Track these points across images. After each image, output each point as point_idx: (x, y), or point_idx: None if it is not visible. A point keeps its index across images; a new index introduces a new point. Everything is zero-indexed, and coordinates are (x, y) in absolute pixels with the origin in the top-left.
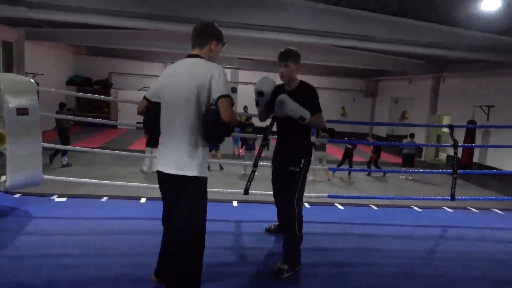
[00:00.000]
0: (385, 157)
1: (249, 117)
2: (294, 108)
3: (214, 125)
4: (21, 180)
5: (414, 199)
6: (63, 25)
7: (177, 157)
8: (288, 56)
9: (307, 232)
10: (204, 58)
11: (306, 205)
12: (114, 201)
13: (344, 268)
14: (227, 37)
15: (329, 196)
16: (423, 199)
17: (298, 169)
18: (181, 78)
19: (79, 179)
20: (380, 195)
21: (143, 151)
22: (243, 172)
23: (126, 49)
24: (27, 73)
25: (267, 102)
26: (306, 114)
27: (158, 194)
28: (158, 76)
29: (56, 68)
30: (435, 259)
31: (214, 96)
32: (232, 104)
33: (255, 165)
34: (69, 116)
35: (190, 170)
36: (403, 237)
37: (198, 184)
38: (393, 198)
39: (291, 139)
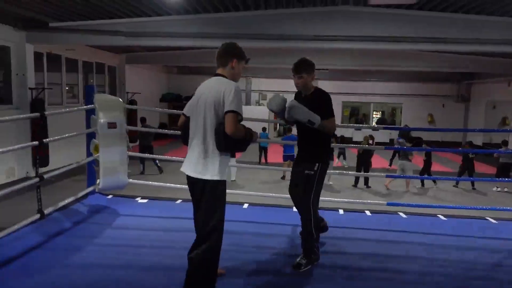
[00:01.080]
0: (477, 167)
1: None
2: (302, 113)
3: (220, 136)
4: (110, 183)
5: (487, 209)
6: (156, 49)
7: (196, 162)
8: (301, 69)
9: (363, 238)
10: (226, 76)
11: (368, 212)
12: (187, 204)
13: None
14: (305, 49)
15: (388, 204)
16: (498, 209)
17: (312, 172)
18: (204, 95)
19: (158, 183)
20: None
21: None
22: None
23: (212, 66)
24: (127, 92)
25: (282, 115)
26: (315, 118)
27: (232, 199)
28: (241, 90)
29: (151, 87)
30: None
31: (225, 110)
32: (239, 119)
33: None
34: (150, 128)
35: (205, 174)
36: (457, 248)
37: (213, 187)
38: (456, 208)
39: (307, 144)
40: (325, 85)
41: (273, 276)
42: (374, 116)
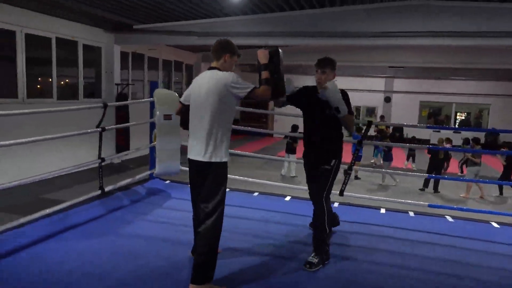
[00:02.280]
0: None
1: (387, 127)
2: (337, 96)
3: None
4: (164, 168)
5: None
6: None
7: (204, 148)
8: (327, 64)
9: (405, 238)
10: (220, 69)
11: (411, 213)
12: (232, 192)
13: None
14: (378, 46)
15: (430, 206)
16: None
17: (329, 168)
18: (204, 87)
19: (238, 177)
20: None
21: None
22: (381, 182)
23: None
24: None
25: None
26: (344, 109)
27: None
28: None
29: None
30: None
31: (242, 94)
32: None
33: (350, 168)
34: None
35: (213, 157)
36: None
37: (219, 168)
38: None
39: (324, 140)
40: (401, 84)
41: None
42: (458, 117)
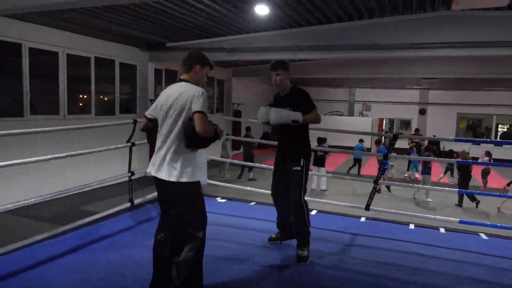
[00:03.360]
0: None
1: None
2: (283, 116)
3: (189, 132)
4: None
5: None
6: (260, 62)
7: (164, 164)
8: (279, 66)
9: (433, 255)
10: (190, 81)
11: (442, 230)
12: (259, 206)
13: None
14: (410, 58)
15: (461, 222)
16: None
17: (299, 168)
18: (170, 99)
19: (233, 185)
20: None
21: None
22: (413, 196)
23: (313, 77)
24: (233, 103)
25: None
26: (297, 116)
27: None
28: (344, 100)
29: (255, 98)
30: None
31: (192, 111)
32: (207, 119)
33: (376, 182)
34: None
35: (175, 176)
36: None
37: (185, 188)
38: None
39: (289, 142)
40: (436, 95)
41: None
42: (500, 129)
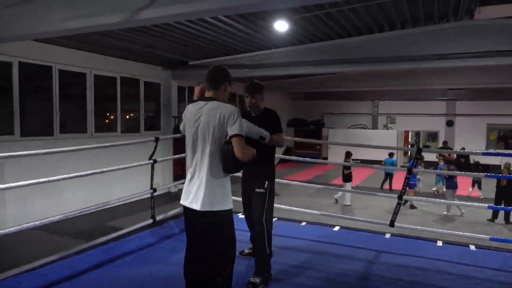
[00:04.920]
0: None
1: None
2: (253, 131)
3: (229, 156)
4: None
5: None
6: (281, 78)
7: (201, 194)
8: (255, 90)
9: (462, 273)
10: (218, 100)
11: (472, 247)
12: (280, 222)
13: None
14: (436, 69)
15: (492, 239)
16: None
17: (263, 190)
18: (203, 120)
19: (285, 206)
20: None
21: (341, 186)
22: (445, 212)
23: (336, 91)
24: None
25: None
26: (266, 134)
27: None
28: (367, 113)
29: (278, 112)
30: None
31: (230, 133)
32: (245, 142)
33: (400, 197)
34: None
35: (213, 205)
36: None
37: (221, 218)
38: None
39: (256, 164)
40: (464, 106)
41: None
42: None
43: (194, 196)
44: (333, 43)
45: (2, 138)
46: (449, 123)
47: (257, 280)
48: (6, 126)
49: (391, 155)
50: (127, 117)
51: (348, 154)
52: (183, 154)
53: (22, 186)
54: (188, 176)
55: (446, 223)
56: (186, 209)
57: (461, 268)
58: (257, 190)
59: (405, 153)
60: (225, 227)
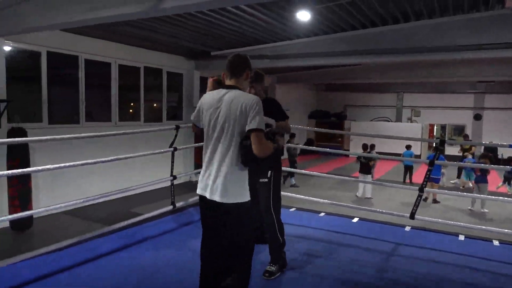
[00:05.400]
0: None
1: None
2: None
3: (247, 151)
4: None
5: None
6: (304, 69)
7: (220, 184)
8: (253, 79)
9: (485, 269)
10: (240, 87)
11: (495, 242)
12: (299, 212)
13: None
14: (458, 60)
15: None
16: None
17: (266, 180)
18: (224, 109)
19: (304, 197)
20: None
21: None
22: (469, 207)
23: (359, 83)
24: None
25: None
26: (271, 121)
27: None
28: (391, 106)
29: (300, 103)
30: None
31: (248, 128)
32: (264, 137)
33: (421, 190)
34: (296, 144)
35: (231, 197)
36: None
37: (241, 209)
38: None
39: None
40: (493, 99)
41: None
42: None
43: (213, 187)
44: (357, 33)
45: (31, 126)
46: (477, 117)
47: (273, 268)
48: (35, 114)
49: (408, 147)
50: (150, 107)
51: (372, 146)
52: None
53: (49, 169)
54: (205, 166)
55: (470, 218)
56: (204, 199)
57: (483, 263)
58: (261, 180)
59: (430, 147)
60: (245, 219)
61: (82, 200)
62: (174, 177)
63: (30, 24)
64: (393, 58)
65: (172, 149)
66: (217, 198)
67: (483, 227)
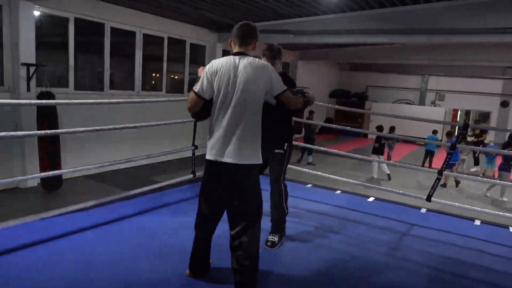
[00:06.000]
0: None
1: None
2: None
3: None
4: None
5: None
6: (327, 46)
7: (239, 148)
8: (275, 55)
9: (499, 254)
10: (249, 55)
11: None
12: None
13: None
14: (488, 44)
15: None
16: None
17: (282, 151)
18: (239, 74)
19: (320, 173)
20: None
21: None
22: (485, 191)
23: (383, 63)
24: (298, 87)
25: None
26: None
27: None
28: (415, 88)
29: (322, 82)
30: None
31: (274, 93)
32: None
33: (440, 173)
34: (316, 122)
35: (251, 159)
36: None
37: (255, 171)
38: None
39: (274, 126)
40: None
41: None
42: None
43: (232, 150)
44: (384, 12)
45: (58, 91)
46: (504, 104)
47: (276, 238)
48: (61, 79)
49: (435, 132)
50: (172, 78)
51: (392, 128)
52: None
53: (75, 132)
54: (222, 132)
55: (487, 205)
56: (218, 164)
57: (497, 248)
58: (277, 151)
59: (450, 134)
60: (258, 180)
61: (108, 164)
62: (196, 147)
63: None
64: (422, 38)
65: (194, 119)
66: (238, 160)
67: (500, 213)
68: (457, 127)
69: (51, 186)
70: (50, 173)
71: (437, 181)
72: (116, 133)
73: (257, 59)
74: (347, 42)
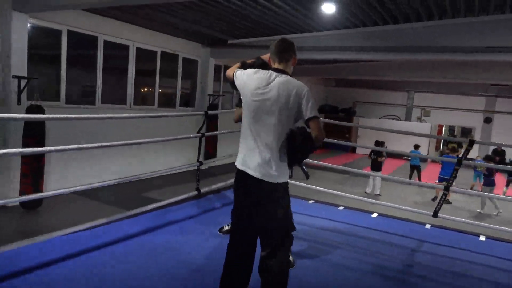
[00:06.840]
0: None
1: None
2: None
3: (308, 141)
4: None
5: None
6: (316, 62)
7: (266, 165)
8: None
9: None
10: (288, 72)
11: None
12: (347, 211)
13: None
14: (478, 62)
15: None
16: None
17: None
18: (271, 91)
19: (320, 188)
20: None
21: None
22: (478, 210)
23: (370, 79)
24: None
25: None
26: None
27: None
28: (401, 104)
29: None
30: None
31: (305, 116)
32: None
33: (447, 189)
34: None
35: (278, 177)
36: None
37: (285, 189)
38: None
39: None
40: (506, 103)
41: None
42: None
43: (260, 167)
44: (377, 29)
45: (48, 104)
46: (487, 120)
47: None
48: (53, 92)
49: (416, 147)
50: (164, 92)
51: (381, 143)
52: (227, 130)
53: (62, 150)
54: (247, 145)
55: (483, 220)
56: (248, 176)
57: (505, 264)
58: None
59: (437, 148)
60: (284, 200)
61: (98, 184)
62: (200, 163)
63: (55, 2)
64: (411, 56)
65: (200, 134)
66: (269, 178)
67: (507, 228)
68: (462, 143)
69: (30, 205)
70: (27, 197)
71: (443, 196)
72: (107, 148)
73: (293, 78)
74: (339, 58)
